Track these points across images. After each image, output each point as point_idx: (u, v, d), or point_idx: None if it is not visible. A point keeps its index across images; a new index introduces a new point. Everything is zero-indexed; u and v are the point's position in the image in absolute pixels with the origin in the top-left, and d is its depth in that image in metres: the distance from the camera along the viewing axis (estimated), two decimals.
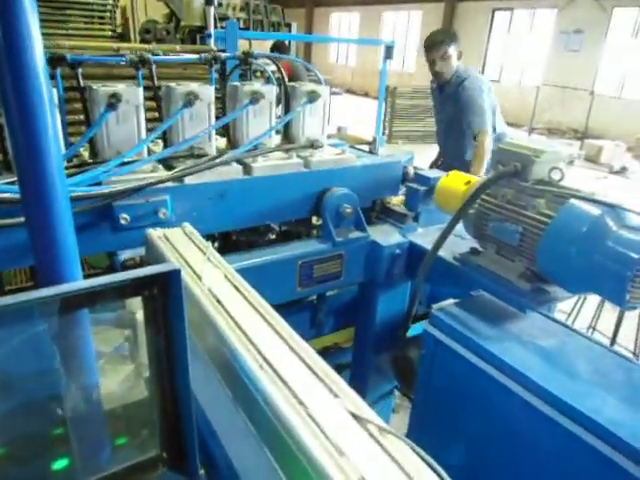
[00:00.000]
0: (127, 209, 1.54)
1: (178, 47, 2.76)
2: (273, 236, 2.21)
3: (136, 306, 1.12)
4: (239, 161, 1.80)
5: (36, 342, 1.05)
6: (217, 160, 1.74)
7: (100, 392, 0.82)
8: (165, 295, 0.75)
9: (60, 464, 0.91)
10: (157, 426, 0.82)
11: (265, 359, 0.81)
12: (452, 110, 3.51)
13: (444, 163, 3.78)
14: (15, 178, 1.46)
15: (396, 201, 2.12)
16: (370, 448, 0.65)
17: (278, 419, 0.70)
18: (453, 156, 3.71)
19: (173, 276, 0.73)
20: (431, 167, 3.69)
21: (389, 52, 2.48)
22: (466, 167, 3.19)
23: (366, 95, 17.67)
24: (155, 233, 1.34)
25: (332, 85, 12.64)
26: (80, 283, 0.69)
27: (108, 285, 0.71)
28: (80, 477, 0.79)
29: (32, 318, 0.69)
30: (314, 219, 2.13)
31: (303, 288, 1.79)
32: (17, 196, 1.35)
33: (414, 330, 2.03)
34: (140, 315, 1.07)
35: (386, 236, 1.91)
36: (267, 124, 1.87)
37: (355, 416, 0.69)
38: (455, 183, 1.82)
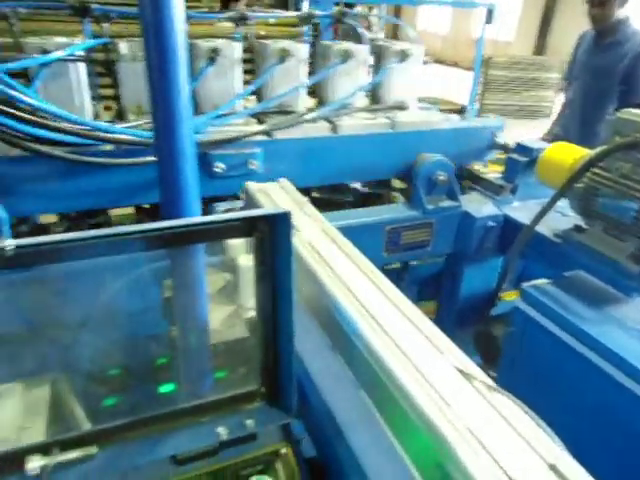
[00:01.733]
0: (222, 158, 1.61)
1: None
2: (350, 198, 2.19)
3: (237, 252, 1.17)
4: (326, 119, 1.80)
5: (151, 277, 1.14)
6: (306, 117, 1.76)
7: (208, 325, 0.87)
8: (275, 236, 0.77)
9: (166, 388, 0.99)
10: (257, 363, 0.86)
11: (365, 308, 0.81)
12: (608, 67, 2.88)
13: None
14: (130, 124, 1.57)
15: (487, 170, 2.03)
16: (478, 403, 0.63)
17: (379, 365, 0.71)
18: (586, 131, 3.01)
19: (284, 218, 0.75)
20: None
21: (489, 16, 2.33)
22: None
23: (456, 65, 16.83)
24: (253, 186, 1.38)
25: None
26: (202, 218, 0.73)
27: (226, 222, 0.74)
28: (184, 401, 0.85)
29: (156, 247, 0.74)
30: (397, 182, 2.10)
31: (389, 254, 1.78)
32: (133, 138, 1.47)
33: (498, 308, 1.96)
34: (241, 260, 1.12)
35: (479, 207, 1.84)
36: (356, 84, 1.85)
37: (461, 372, 0.68)
38: (561, 155, 1.70)
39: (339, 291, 0.87)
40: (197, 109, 1.72)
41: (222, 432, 0.79)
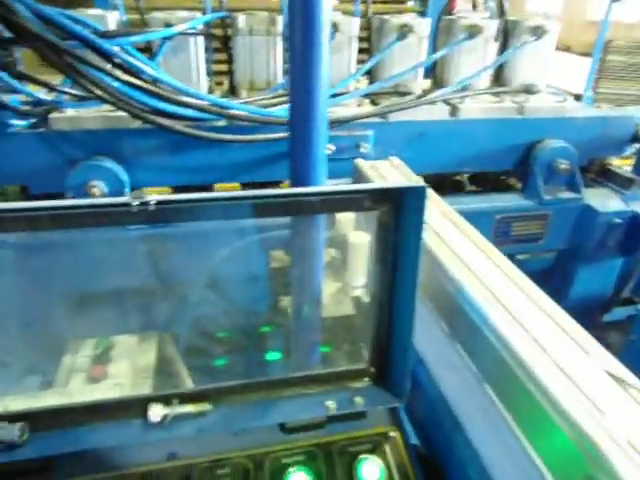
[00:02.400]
0: (332, 140, 1.58)
1: None
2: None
3: (346, 228, 1.15)
4: (446, 101, 1.70)
5: (261, 246, 1.15)
6: (424, 98, 1.67)
7: (322, 298, 0.85)
8: (405, 212, 0.73)
9: (273, 356, 0.99)
10: (367, 342, 0.83)
11: (495, 297, 0.75)
12: None
13: None
14: (246, 99, 1.60)
15: (620, 163, 1.83)
16: (636, 412, 0.56)
17: (513, 359, 0.65)
18: None
19: (419, 192, 0.70)
20: None
21: None
22: None
23: (567, 50, 15.50)
24: (363, 163, 1.34)
25: None
26: (330, 187, 0.70)
27: (354, 193, 0.70)
28: (293, 370, 0.84)
29: (286, 214, 0.73)
30: None
31: (497, 245, 1.67)
32: (249, 114, 1.49)
33: (612, 314, 1.78)
34: (352, 237, 1.10)
35: (604, 201, 1.66)
36: (481, 63, 1.73)
37: (612, 376, 0.60)
38: None
39: (464, 276, 0.81)
40: None
41: (331, 406, 0.78)
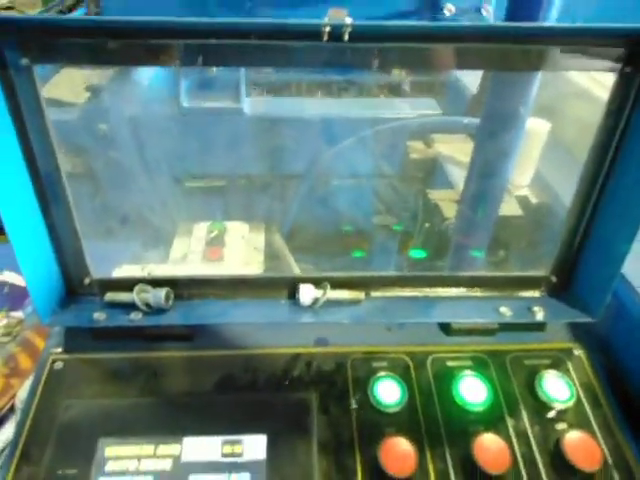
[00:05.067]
0: None
1: None
2: None
3: None
4: None
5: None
6: None
7: (504, 189, 0.72)
8: None
9: (418, 254, 0.89)
10: (552, 248, 0.69)
11: None
12: None
13: None
14: None
15: None
16: None
17: None
18: None
19: None
20: None
21: None
22: None
23: None
24: None
25: None
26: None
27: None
28: (460, 270, 0.73)
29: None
30: None
31: None
32: None
33: None
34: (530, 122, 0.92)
35: None
36: None
37: None
38: None
39: None
40: None
41: (505, 312, 0.66)
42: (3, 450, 0.72)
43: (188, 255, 0.99)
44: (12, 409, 0.76)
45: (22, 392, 0.77)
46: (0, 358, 0.83)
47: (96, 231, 0.79)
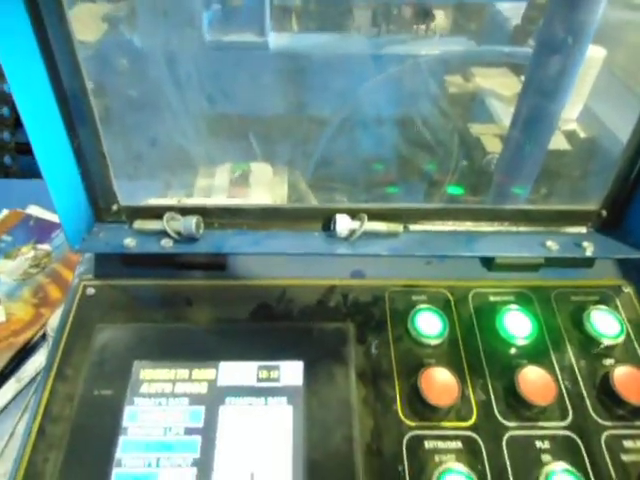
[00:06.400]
0: None
1: None
2: None
3: None
4: None
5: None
6: None
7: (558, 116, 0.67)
8: None
9: (456, 191, 0.85)
10: (603, 182, 0.65)
11: None
12: None
13: None
14: None
15: None
16: None
17: None
18: None
19: None
20: None
21: None
22: None
23: None
24: None
25: None
26: None
27: None
28: (502, 202, 0.70)
29: None
30: None
31: None
32: None
33: None
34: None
35: None
36: None
37: None
38: None
39: None
40: None
41: (552, 247, 0.63)
42: (36, 376, 0.72)
43: (212, 195, 0.97)
44: (44, 337, 0.77)
45: (53, 320, 0.77)
46: (30, 288, 0.83)
47: (123, 161, 0.76)
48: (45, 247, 0.89)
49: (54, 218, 0.97)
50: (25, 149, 1.85)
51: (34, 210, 0.98)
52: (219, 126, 1.25)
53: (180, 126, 1.01)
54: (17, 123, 1.67)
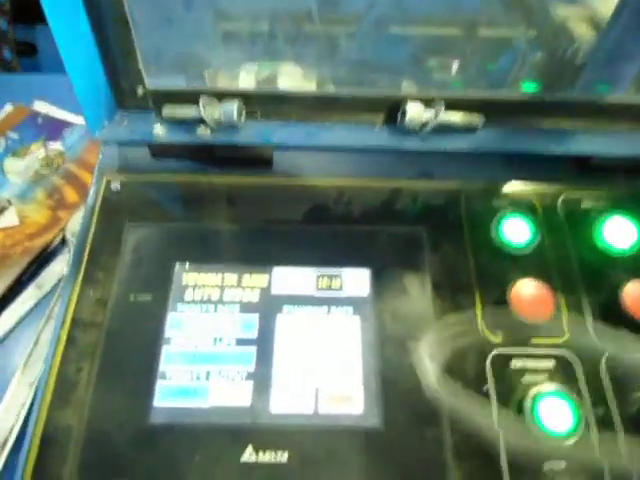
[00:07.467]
0: None
1: None
2: None
3: None
4: None
5: None
6: None
7: None
8: None
9: (530, 88, 0.74)
10: None
11: None
12: None
13: None
14: None
15: None
16: None
17: None
18: None
19: None
20: None
21: None
22: None
23: None
24: None
25: None
26: None
27: None
28: (597, 100, 0.59)
29: None
30: None
31: None
32: None
33: None
34: None
35: None
36: None
37: None
38: None
39: None
40: None
41: None
42: (58, 282, 0.66)
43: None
44: (63, 243, 0.70)
45: (72, 224, 0.69)
46: (44, 190, 0.74)
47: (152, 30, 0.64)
48: (56, 146, 0.80)
49: (65, 116, 0.86)
50: (26, 49, 1.68)
51: (41, 107, 0.87)
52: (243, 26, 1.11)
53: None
54: (16, 17, 1.50)
